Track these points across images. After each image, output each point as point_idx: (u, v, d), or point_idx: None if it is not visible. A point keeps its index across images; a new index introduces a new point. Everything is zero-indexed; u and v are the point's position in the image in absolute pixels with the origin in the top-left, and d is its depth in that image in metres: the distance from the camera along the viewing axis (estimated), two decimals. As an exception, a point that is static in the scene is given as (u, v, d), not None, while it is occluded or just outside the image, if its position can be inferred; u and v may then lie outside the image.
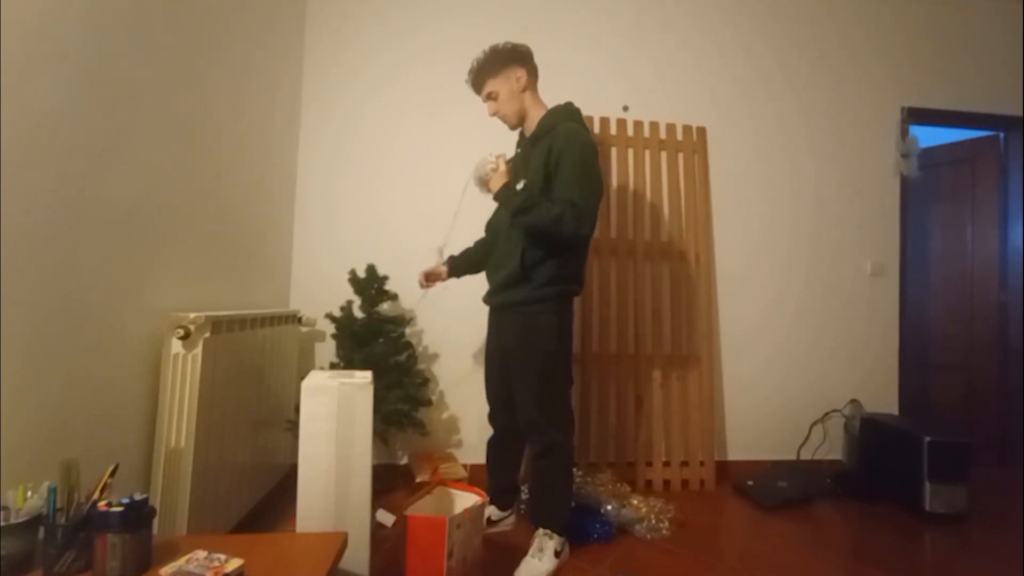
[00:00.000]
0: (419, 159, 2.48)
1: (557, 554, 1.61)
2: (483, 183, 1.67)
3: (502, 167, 1.64)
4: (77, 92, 1.09)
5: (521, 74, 1.70)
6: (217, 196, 1.71)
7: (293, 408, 1.98)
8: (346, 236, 2.41)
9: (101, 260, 1.18)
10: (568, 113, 1.70)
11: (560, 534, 1.64)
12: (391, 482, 2.24)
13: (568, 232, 1.53)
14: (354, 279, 2.12)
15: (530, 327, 1.63)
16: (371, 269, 2.15)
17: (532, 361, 1.63)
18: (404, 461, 2.36)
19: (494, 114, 1.75)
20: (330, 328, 2.14)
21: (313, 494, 1.27)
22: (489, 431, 1.91)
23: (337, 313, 2.11)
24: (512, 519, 1.91)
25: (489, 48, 1.71)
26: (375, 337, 2.07)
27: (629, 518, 1.90)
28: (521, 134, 1.81)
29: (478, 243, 1.98)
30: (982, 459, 2.81)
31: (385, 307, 2.21)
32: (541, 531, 1.64)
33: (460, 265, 1.95)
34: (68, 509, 0.93)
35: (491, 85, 1.71)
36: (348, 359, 2.02)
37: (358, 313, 2.12)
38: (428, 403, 2.15)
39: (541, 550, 1.60)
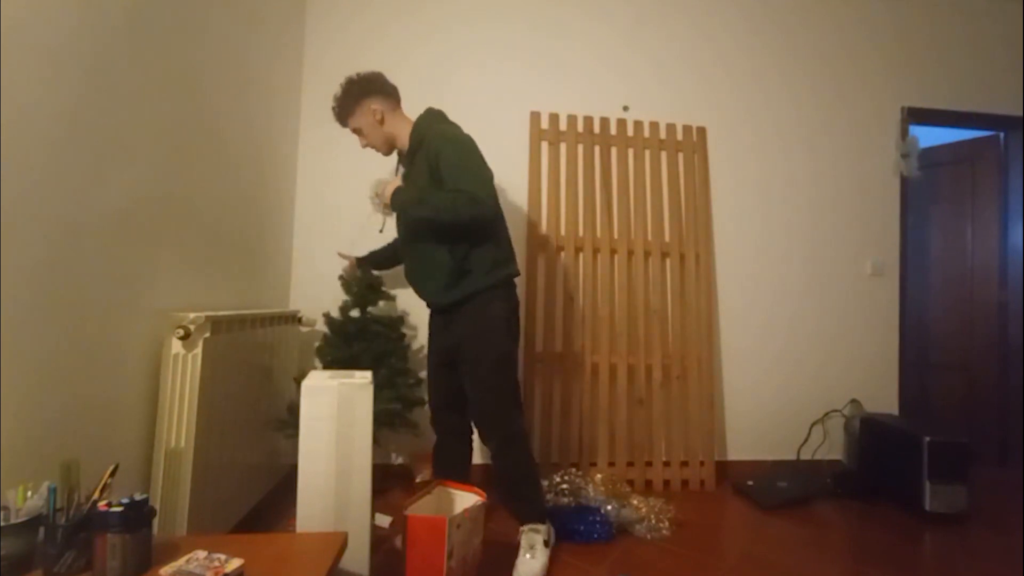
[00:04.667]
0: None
1: (547, 544, 1.62)
2: (380, 199, 1.71)
3: (394, 178, 1.71)
4: (77, 92, 1.09)
5: (376, 106, 1.73)
6: (217, 196, 1.71)
7: (285, 409, 1.98)
8: (346, 236, 2.41)
9: (101, 260, 1.18)
10: (431, 118, 1.73)
11: (542, 522, 1.64)
12: (385, 482, 2.24)
13: (466, 216, 1.54)
14: (346, 283, 2.13)
15: (481, 318, 1.63)
16: (366, 269, 2.15)
17: (485, 353, 1.62)
18: (399, 461, 2.36)
19: (365, 147, 1.80)
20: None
21: (313, 494, 1.27)
22: None
23: (335, 313, 2.11)
24: None
25: (344, 82, 1.75)
26: (369, 337, 2.07)
27: (629, 518, 1.90)
28: (400, 155, 1.83)
29: (394, 241, 2.04)
30: (982, 459, 2.82)
31: (381, 305, 2.21)
32: (527, 528, 1.64)
33: (371, 259, 2.10)
34: (68, 509, 0.93)
35: (352, 123, 1.76)
36: (340, 359, 2.02)
37: (354, 313, 2.11)
38: (421, 403, 2.15)
39: (532, 547, 1.60)
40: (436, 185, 1.60)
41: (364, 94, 1.73)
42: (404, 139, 1.74)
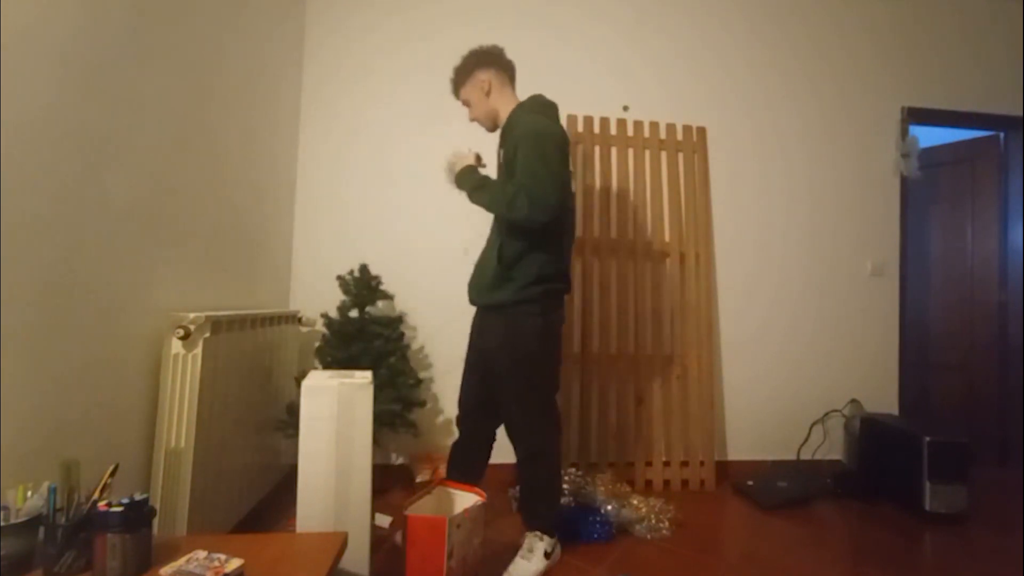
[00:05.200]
0: (419, 159, 2.48)
1: (547, 555, 1.61)
2: (450, 171, 1.71)
3: (466, 153, 1.68)
4: (78, 93, 1.09)
5: (486, 78, 1.70)
6: (217, 196, 1.71)
7: (285, 409, 1.98)
8: (346, 236, 2.41)
9: (101, 260, 1.18)
10: (532, 105, 1.68)
11: (551, 535, 1.64)
12: (383, 483, 2.24)
13: (520, 215, 1.50)
14: (343, 283, 2.12)
15: (514, 329, 1.59)
16: (364, 269, 2.15)
17: (515, 365, 1.59)
18: (398, 461, 2.36)
19: (472, 120, 1.78)
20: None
21: (313, 494, 1.27)
22: None
23: (333, 313, 2.10)
24: None
25: (465, 54, 1.74)
26: (367, 337, 2.06)
27: (629, 518, 1.90)
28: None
29: None
30: (982, 459, 2.82)
31: (380, 305, 2.21)
32: (532, 533, 1.64)
33: None
34: (68, 509, 0.93)
35: (463, 93, 1.75)
36: (339, 359, 2.02)
37: (353, 313, 2.11)
38: (421, 404, 2.15)
39: (531, 551, 1.60)
40: (511, 175, 1.56)
41: (478, 64, 1.71)
42: (506, 119, 1.70)
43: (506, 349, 1.60)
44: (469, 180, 1.61)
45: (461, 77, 1.73)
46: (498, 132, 1.75)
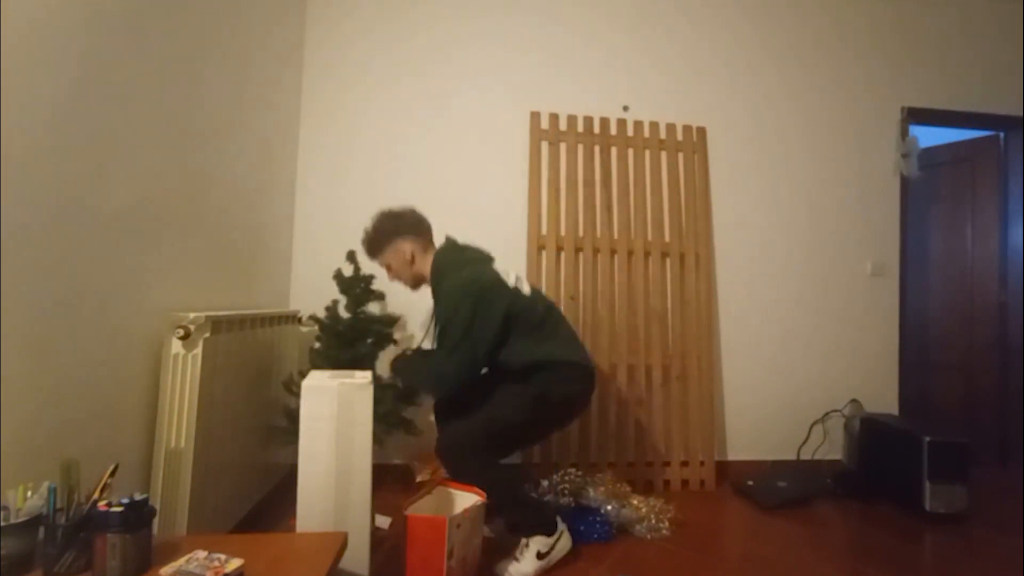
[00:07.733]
0: (419, 160, 2.48)
1: (540, 555, 1.59)
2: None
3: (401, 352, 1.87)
4: (77, 92, 1.09)
5: (407, 248, 1.75)
6: (217, 196, 1.71)
7: (282, 412, 1.96)
8: (346, 236, 2.40)
9: (101, 260, 1.18)
10: (447, 263, 1.73)
11: (546, 534, 1.62)
12: (385, 482, 2.24)
13: (429, 392, 1.78)
14: (339, 277, 2.11)
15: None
16: (356, 268, 2.13)
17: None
18: (399, 461, 2.36)
19: (393, 280, 1.84)
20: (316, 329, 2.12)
21: (313, 494, 1.27)
22: None
23: (322, 314, 2.09)
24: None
25: (376, 217, 1.77)
26: (361, 337, 2.05)
27: (629, 518, 1.90)
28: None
29: None
30: (982, 459, 2.82)
31: (374, 307, 2.20)
32: (527, 539, 1.62)
33: None
34: (68, 509, 0.93)
35: (381, 260, 1.80)
36: (334, 359, 2.00)
37: (344, 313, 2.09)
38: (415, 403, 2.14)
39: (522, 551, 1.59)
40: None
41: (396, 233, 1.75)
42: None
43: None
44: (394, 367, 1.79)
45: (379, 244, 1.77)
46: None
